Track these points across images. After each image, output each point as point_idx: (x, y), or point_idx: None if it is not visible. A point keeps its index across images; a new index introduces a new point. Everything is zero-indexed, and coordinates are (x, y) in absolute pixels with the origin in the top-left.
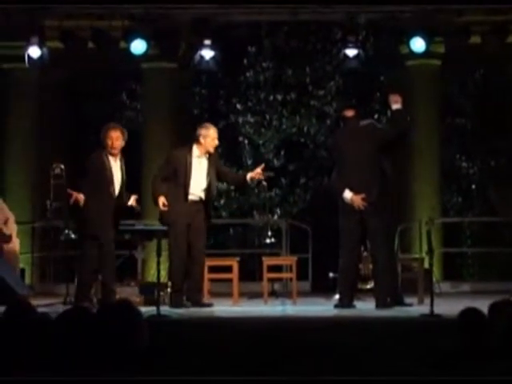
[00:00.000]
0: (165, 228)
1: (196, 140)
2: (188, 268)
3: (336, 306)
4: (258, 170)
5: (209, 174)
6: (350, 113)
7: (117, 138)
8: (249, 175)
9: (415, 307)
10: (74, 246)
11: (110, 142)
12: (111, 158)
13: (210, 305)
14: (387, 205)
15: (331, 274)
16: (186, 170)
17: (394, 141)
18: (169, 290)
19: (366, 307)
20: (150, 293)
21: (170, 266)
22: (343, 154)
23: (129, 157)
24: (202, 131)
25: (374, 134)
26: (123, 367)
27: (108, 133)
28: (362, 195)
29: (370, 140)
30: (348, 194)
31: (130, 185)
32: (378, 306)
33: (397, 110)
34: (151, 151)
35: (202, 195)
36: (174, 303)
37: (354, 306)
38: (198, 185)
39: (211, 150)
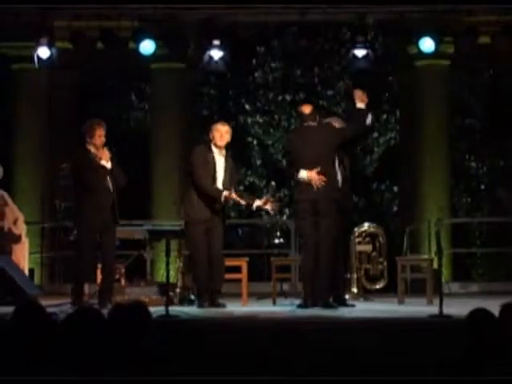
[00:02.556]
0: (174, 228)
1: (208, 136)
2: (209, 269)
3: (299, 306)
4: (266, 199)
5: (226, 170)
6: (307, 109)
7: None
8: (256, 203)
9: (424, 307)
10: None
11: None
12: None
13: (223, 305)
14: (342, 205)
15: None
16: (212, 165)
17: (350, 140)
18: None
19: (375, 308)
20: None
21: (195, 268)
22: (299, 153)
23: (136, 156)
24: (211, 127)
25: (331, 135)
26: (131, 367)
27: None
28: (317, 169)
29: (327, 140)
30: (303, 173)
31: (138, 184)
32: (319, 305)
33: (360, 110)
34: (159, 151)
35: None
36: (204, 304)
37: (318, 306)
38: (218, 181)
39: (219, 143)
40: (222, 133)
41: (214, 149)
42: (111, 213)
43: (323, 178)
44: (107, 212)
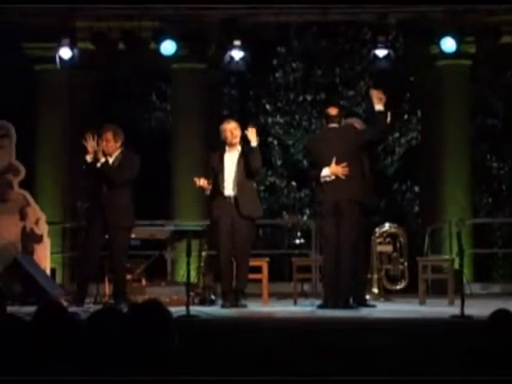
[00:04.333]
0: (195, 228)
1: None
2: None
3: (320, 307)
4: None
5: (239, 167)
6: (333, 111)
7: None
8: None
9: (445, 308)
10: (103, 247)
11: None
12: None
13: (245, 305)
14: (365, 206)
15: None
16: (218, 165)
17: (371, 141)
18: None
19: (396, 308)
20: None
21: (218, 266)
22: (322, 155)
23: (158, 156)
24: (220, 129)
25: (352, 136)
26: (150, 366)
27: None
28: (343, 164)
29: (348, 142)
30: (326, 170)
31: (159, 184)
32: (340, 305)
33: (379, 112)
34: (180, 151)
35: (235, 189)
36: (226, 304)
37: (338, 307)
38: (230, 178)
39: (233, 141)
40: (231, 130)
41: (227, 149)
42: (113, 214)
43: (346, 169)
44: (108, 213)
